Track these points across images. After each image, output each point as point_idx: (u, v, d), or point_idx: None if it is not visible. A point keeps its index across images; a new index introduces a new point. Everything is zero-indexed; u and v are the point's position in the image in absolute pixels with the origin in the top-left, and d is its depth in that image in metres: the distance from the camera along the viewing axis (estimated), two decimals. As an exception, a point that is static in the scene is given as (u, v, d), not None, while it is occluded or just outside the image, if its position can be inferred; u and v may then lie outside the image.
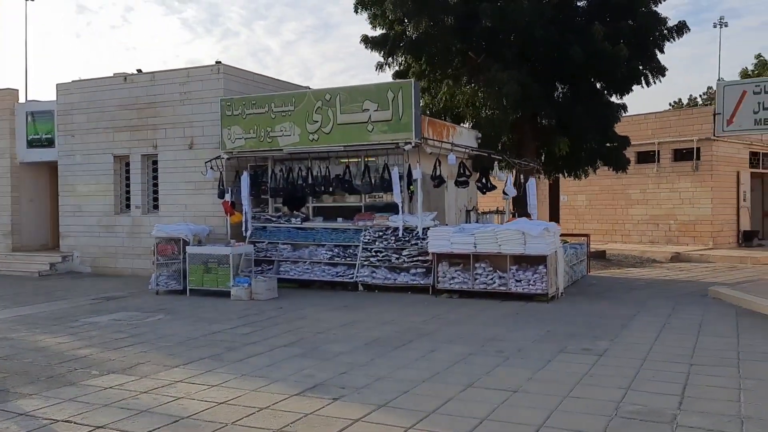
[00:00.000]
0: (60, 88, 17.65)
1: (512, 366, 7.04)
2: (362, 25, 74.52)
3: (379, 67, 18.30)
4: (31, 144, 18.70)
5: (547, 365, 7.02)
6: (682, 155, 23.28)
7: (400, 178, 12.90)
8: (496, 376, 6.64)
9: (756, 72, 34.66)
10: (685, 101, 46.98)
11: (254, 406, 5.76)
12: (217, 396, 6.10)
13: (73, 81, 17.56)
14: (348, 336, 8.82)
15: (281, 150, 13.87)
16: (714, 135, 19.40)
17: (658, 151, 23.58)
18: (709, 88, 44.78)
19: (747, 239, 23.17)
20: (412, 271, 12.80)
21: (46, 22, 68.26)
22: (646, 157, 23.79)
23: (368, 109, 12.85)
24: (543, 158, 17.89)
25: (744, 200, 23.55)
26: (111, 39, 70.30)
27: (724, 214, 23.07)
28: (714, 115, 16.20)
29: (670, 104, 47.17)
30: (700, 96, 46.97)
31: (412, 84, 12.69)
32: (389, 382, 6.49)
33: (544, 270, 11.44)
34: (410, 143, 12.62)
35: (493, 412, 5.47)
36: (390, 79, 18.30)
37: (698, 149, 22.71)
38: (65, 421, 5.44)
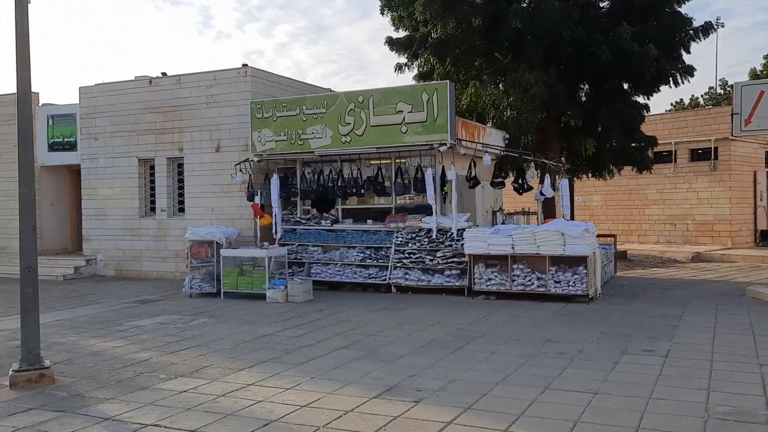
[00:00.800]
0: (83, 91, 17.60)
1: (580, 368, 7.05)
2: (354, 27, 74.36)
3: (399, 68, 18.31)
4: (52, 147, 18.65)
5: (616, 367, 7.03)
6: (699, 155, 23.36)
7: (434, 179, 12.90)
8: (569, 378, 6.65)
9: (765, 72, 34.77)
10: (686, 101, 47.09)
11: (338, 409, 5.76)
12: (296, 399, 6.09)
13: (96, 84, 17.52)
14: (400, 338, 8.82)
15: (312, 152, 13.87)
16: (732, 135, 19.42)
17: (675, 151, 23.66)
18: (711, 88, 44.85)
19: (765, 238, 23.26)
20: (447, 272, 12.80)
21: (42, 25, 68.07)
22: (663, 157, 23.84)
23: (402, 111, 12.86)
24: (564, 158, 17.92)
25: (761, 200, 23.64)
26: (101, 39, 70.01)
27: (742, 214, 23.16)
28: (732, 115, 16.26)
29: (672, 104, 47.23)
30: (702, 96, 47.10)
31: (447, 85, 12.70)
32: (463, 384, 6.49)
33: (585, 271, 11.46)
34: (445, 144, 12.63)
35: (583, 414, 5.48)
36: (412, 81, 18.34)
37: (716, 149, 22.79)
38: (154, 425, 5.43)
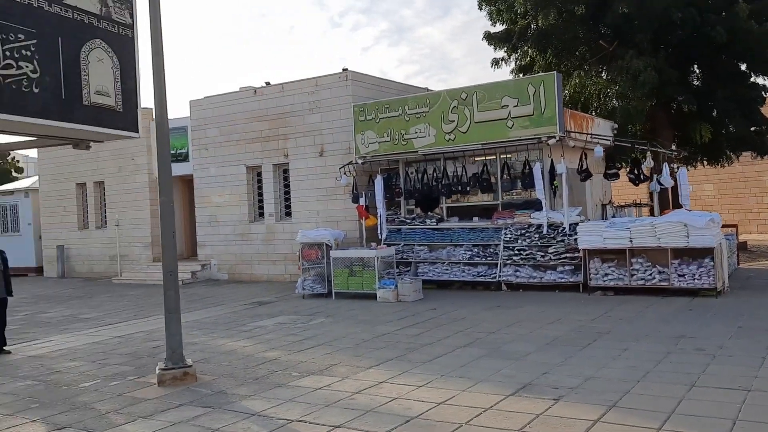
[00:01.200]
0: (193, 104, 18.48)
1: (725, 364, 6.66)
2: (436, 26, 74.07)
3: (496, 63, 18.08)
4: (166, 159, 19.65)
5: (764, 363, 6.59)
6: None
7: (542, 173, 12.61)
8: (715, 374, 6.30)
9: None
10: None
11: (476, 406, 5.71)
12: (431, 396, 6.10)
13: (205, 97, 18.34)
14: (522, 336, 8.66)
15: (416, 152, 13.90)
16: None
17: (797, 134, 21.99)
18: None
19: None
20: (559, 268, 12.47)
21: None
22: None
23: (507, 105, 12.66)
24: (675, 146, 17.08)
25: None
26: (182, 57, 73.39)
27: None
28: None
29: None
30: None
31: (554, 77, 12.40)
32: (601, 382, 6.28)
33: (711, 263, 10.85)
34: (554, 137, 12.33)
35: (741, 412, 5.17)
36: (509, 76, 18.06)
37: None
38: (299, 421, 5.58)
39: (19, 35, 4.36)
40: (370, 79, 16.34)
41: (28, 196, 23.50)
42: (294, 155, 16.61)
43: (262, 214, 17.64)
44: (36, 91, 4.54)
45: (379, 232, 14.49)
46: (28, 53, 4.43)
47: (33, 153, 34.62)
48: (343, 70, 15.85)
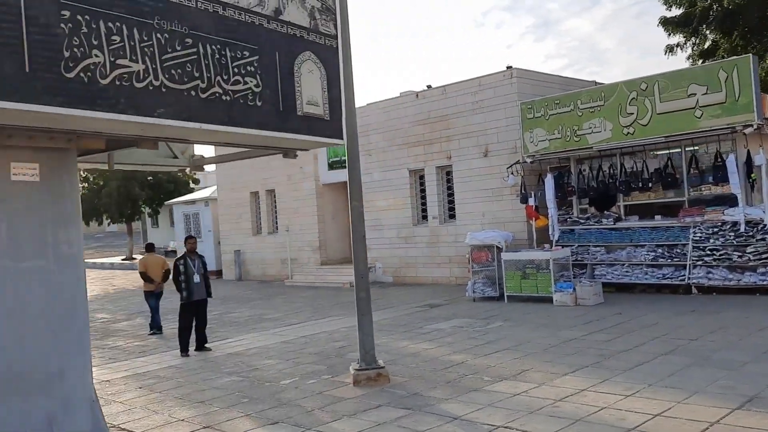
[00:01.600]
0: (357, 111, 18.98)
1: None
2: (584, 17, 70.67)
3: (670, 50, 16.83)
4: (331, 166, 20.47)
5: None
6: None
7: (737, 165, 11.47)
8: None
9: None
10: None
11: (699, 420, 5.22)
12: (643, 407, 5.67)
13: (368, 104, 18.85)
14: (731, 344, 7.88)
15: (590, 148, 13.25)
16: None
17: None
18: None
19: None
20: (760, 269, 11.28)
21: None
22: None
23: (695, 94, 11.67)
24: None
25: None
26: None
27: None
28: None
29: None
30: None
31: (750, 60, 11.25)
32: None
33: None
34: (751, 125, 11.18)
35: None
36: (685, 64, 16.75)
37: None
38: (505, 428, 5.43)
39: (245, 52, 4.62)
40: (535, 75, 15.87)
41: (207, 205, 25.55)
42: (457, 157, 16.54)
43: (425, 217, 17.76)
44: (258, 104, 4.78)
45: (550, 233, 13.99)
46: (252, 69, 4.67)
47: (209, 165, 37.55)
48: (507, 67, 15.53)
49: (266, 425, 6.04)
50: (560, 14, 73.63)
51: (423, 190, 17.76)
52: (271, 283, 21.23)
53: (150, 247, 13.08)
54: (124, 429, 6.24)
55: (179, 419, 6.42)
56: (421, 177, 17.74)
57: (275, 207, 22.49)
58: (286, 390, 7.26)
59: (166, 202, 32.49)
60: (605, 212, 13.72)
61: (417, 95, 17.48)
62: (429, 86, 17.41)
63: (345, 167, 20.02)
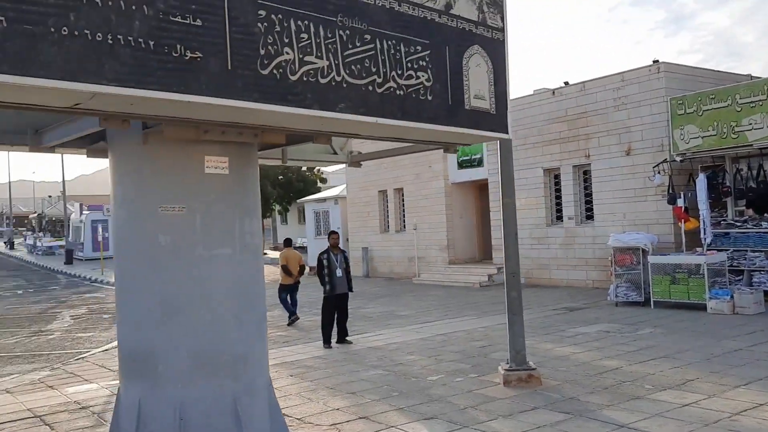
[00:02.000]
0: (489, 110, 18.78)
1: None
2: (720, 10, 65.31)
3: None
4: (461, 165, 20.35)
5: None
6: None
7: None
8: None
9: None
10: None
11: None
12: (841, 429, 5.13)
13: (500, 102, 18.53)
14: None
15: (750, 146, 12.24)
16: None
17: None
18: None
19: None
20: None
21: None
22: None
23: None
24: None
25: None
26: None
27: None
28: None
29: None
30: None
31: None
32: None
33: None
34: None
35: None
36: None
37: None
38: (680, 440, 5.11)
39: (417, 47, 4.63)
40: (684, 70, 14.91)
41: (337, 203, 26.25)
42: (596, 155, 15.87)
43: (560, 218, 17.20)
44: (429, 98, 4.77)
45: (702, 236, 13.06)
46: (423, 63, 4.68)
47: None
48: (654, 62, 14.70)
49: (421, 420, 6.05)
50: (694, 7, 69.11)
51: (558, 190, 17.22)
52: (398, 280, 21.45)
53: (288, 242, 13.60)
54: (285, 415, 6.49)
55: (334, 408, 6.59)
56: (556, 176, 17.21)
57: (403, 205, 22.69)
58: (434, 386, 7.25)
59: (297, 201, 33.77)
60: (765, 215, 12.62)
61: (553, 92, 16.97)
62: (566, 83, 16.85)
63: (474, 166, 20.00)
